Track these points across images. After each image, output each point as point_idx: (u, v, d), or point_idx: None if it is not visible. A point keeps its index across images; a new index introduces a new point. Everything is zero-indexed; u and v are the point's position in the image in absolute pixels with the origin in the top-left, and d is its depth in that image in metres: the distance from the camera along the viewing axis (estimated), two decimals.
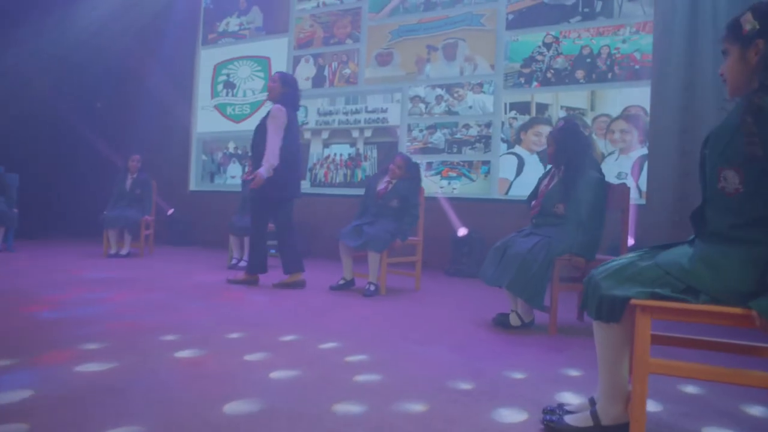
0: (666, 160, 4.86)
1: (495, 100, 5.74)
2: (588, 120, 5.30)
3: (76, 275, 4.14)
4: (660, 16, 4.99)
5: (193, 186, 7.71)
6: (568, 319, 3.15)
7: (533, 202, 3.03)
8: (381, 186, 4.08)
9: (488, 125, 5.75)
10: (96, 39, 7.47)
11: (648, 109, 5.05)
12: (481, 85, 5.82)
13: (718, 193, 1.34)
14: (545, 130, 5.47)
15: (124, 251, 5.50)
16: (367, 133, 6.46)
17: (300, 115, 6.62)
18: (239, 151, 7.35)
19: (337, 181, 6.59)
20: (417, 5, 6.24)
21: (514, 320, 2.89)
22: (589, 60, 5.32)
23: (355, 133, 6.53)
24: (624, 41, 5.18)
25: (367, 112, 6.47)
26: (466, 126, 5.87)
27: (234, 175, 7.38)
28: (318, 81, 6.83)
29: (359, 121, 6.50)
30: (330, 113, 6.70)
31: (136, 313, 2.83)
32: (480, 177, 5.79)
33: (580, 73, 5.35)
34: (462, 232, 5.34)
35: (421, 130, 6.11)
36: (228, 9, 7.58)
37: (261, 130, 3.93)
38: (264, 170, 3.79)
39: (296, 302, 3.43)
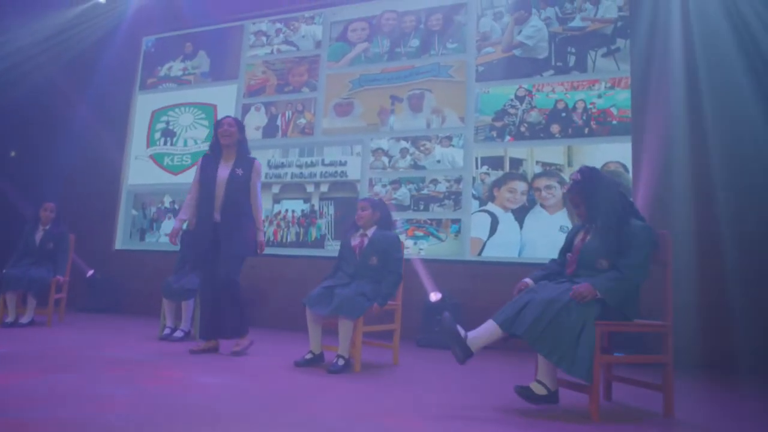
0: (650, 218, 4.54)
1: (465, 154, 5.35)
2: (565, 177, 4.97)
3: None
4: (637, 73, 4.83)
5: (119, 244, 6.76)
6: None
7: (567, 255, 2.52)
8: (355, 242, 3.47)
9: (458, 181, 5.32)
10: (15, 71, 6.62)
11: (629, 165, 4.79)
12: (450, 138, 5.43)
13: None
14: (520, 186, 5.09)
15: (25, 319, 4.48)
16: (324, 188, 5.87)
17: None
18: (176, 206, 6.55)
19: (289, 240, 5.90)
20: (380, 55, 5.90)
21: (537, 389, 2.29)
22: (564, 114, 5.07)
23: (310, 188, 5.93)
24: (599, 96, 4.98)
25: (323, 165, 5.92)
26: (434, 181, 5.42)
27: (168, 233, 6.50)
28: (269, 131, 6.25)
29: (315, 175, 5.92)
30: (282, 165, 6.09)
31: (29, 406, 2.00)
32: (450, 236, 5.28)
33: (555, 128, 5.07)
34: (434, 297, 4.74)
35: (384, 185, 5.60)
36: (171, 53, 6.99)
37: (240, 183, 3.65)
38: (262, 234, 3.77)
39: (253, 383, 2.67)
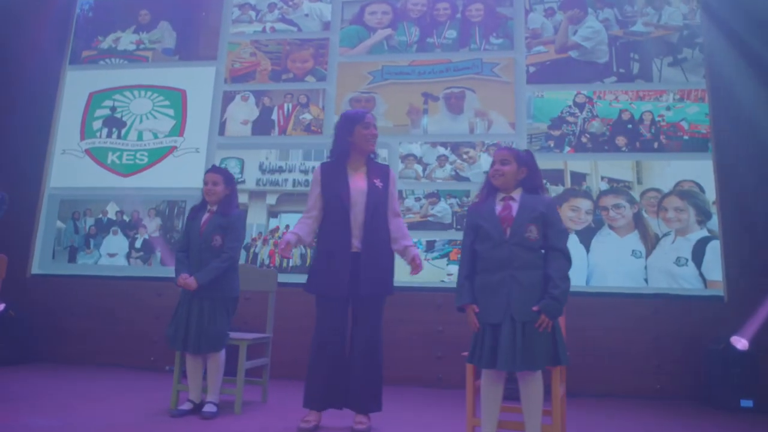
0: (747, 246, 4.13)
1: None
2: (636, 195, 4.43)
3: None
4: (716, 85, 4.45)
5: (36, 267, 5.00)
6: None
7: None
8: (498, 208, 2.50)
9: None
10: None
11: (705, 185, 4.37)
12: (498, 146, 4.66)
13: None
14: (585, 204, 4.46)
15: None
16: None
17: (233, 169, 4.75)
18: (125, 218, 4.99)
19: (291, 265, 4.69)
20: (407, 44, 4.98)
21: None
22: (630, 126, 4.55)
23: None
24: (668, 108, 4.53)
25: None
26: None
27: (114, 252, 4.94)
28: (262, 126, 5.01)
29: None
30: (280, 170, 4.88)
31: None
32: None
33: (621, 140, 4.53)
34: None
35: (417, 199, 4.65)
36: (119, 21, 5.43)
37: (381, 198, 2.79)
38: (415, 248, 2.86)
39: None
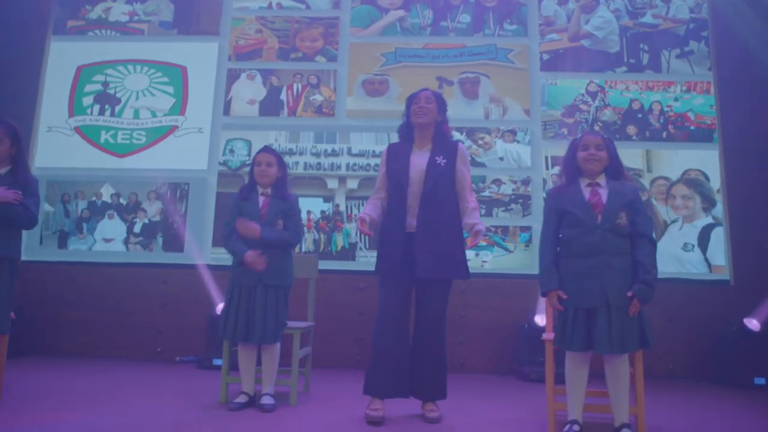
0: (752, 231, 4.34)
1: (533, 152, 4.64)
2: (645, 183, 4.56)
3: None
4: (724, 76, 4.62)
5: (25, 254, 4.63)
6: None
7: None
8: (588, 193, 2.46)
9: (526, 182, 4.59)
10: None
11: (710, 174, 4.55)
12: (513, 132, 4.68)
13: None
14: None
15: None
16: (351, 184, 4.66)
17: (240, 151, 4.58)
18: (122, 201, 4.69)
19: (304, 250, 4.56)
20: (420, 27, 4.90)
21: None
22: (640, 116, 4.66)
23: (333, 183, 4.67)
24: (676, 99, 4.68)
25: (350, 154, 4.71)
26: (497, 182, 4.61)
27: (111, 237, 4.64)
28: (270, 106, 4.81)
29: (338, 167, 4.67)
30: (291, 153, 4.71)
31: None
32: (519, 247, 4.51)
33: (632, 129, 4.64)
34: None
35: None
36: None
37: (443, 175, 2.68)
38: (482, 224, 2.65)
39: None
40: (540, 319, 3.94)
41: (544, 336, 2.56)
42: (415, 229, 2.59)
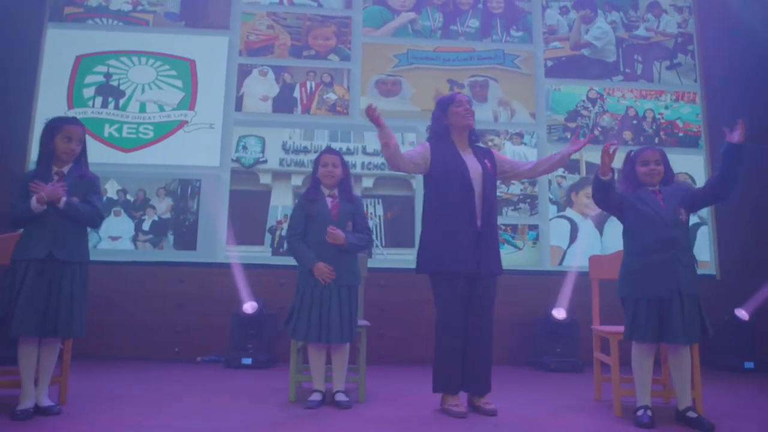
0: (735, 229, 4.77)
1: (539, 154, 4.87)
2: None
3: None
4: (708, 88, 5.03)
5: None
6: None
7: None
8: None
9: (533, 183, 4.83)
10: None
11: (694, 177, 4.95)
12: (521, 135, 4.90)
13: None
14: None
15: None
16: (367, 183, 4.73)
17: (253, 148, 4.57)
18: (129, 197, 4.54)
19: None
20: (431, 30, 5.01)
21: None
22: (635, 122, 5.01)
23: None
24: (666, 107, 5.05)
25: (365, 153, 4.77)
26: (506, 183, 4.82)
27: (117, 235, 4.48)
28: (283, 103, 4.79)
29: (353, 166, 4.72)
30: (305, 150, 4.71)
31: None
32: (528, 244, 4.74)
33: (628, 134, 4.98)
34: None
35: None
36: None
37: (493, 180, 2.85)
38: None
39: None
40: (557, 313, 4.18)
41: (594, 328, 2.78)
42: (481, 228, 2.71)
